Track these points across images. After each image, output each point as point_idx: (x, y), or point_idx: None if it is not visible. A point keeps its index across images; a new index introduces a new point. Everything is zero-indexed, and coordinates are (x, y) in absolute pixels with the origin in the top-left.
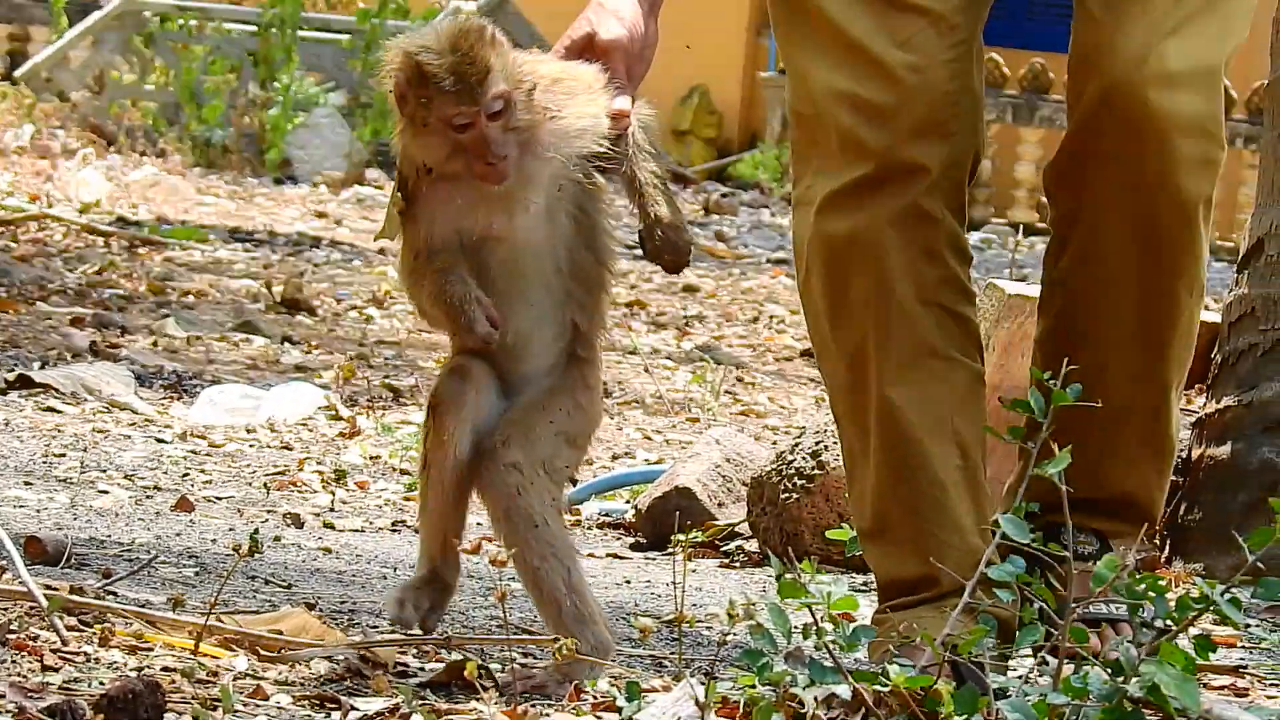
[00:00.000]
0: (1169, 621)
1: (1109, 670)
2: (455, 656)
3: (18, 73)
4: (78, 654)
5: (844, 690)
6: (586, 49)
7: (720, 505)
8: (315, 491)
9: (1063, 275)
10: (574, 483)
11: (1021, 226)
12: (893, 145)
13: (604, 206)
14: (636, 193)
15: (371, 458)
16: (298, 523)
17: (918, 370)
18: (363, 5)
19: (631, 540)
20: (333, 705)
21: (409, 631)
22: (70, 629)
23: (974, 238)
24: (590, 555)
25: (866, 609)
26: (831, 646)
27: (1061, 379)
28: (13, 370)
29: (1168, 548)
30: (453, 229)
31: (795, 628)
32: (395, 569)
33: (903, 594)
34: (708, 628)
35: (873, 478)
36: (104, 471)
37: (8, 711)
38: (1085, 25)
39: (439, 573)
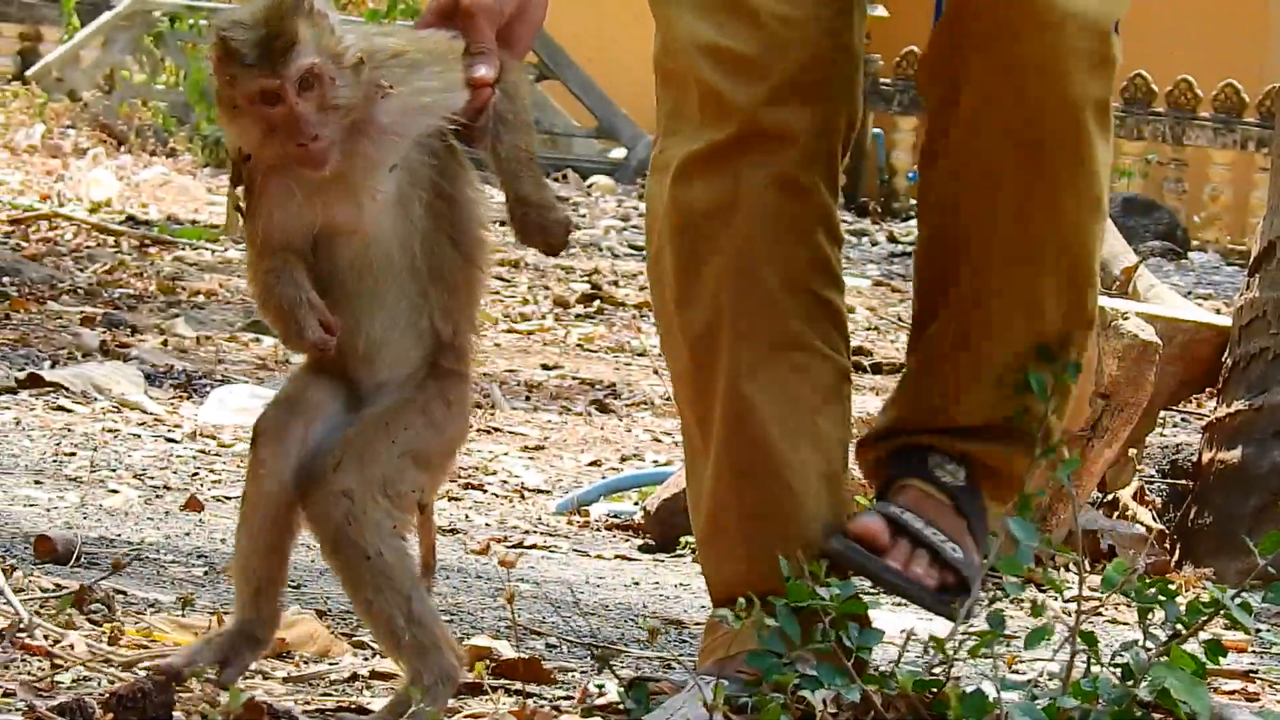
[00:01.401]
0: (1179, 626)
1: (1119, 674)
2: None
3: (29, 72)
4: (86, 654)
5: (853, 693)
6: (452, 13)
7: None
8: None
9: (935, 185)
10: (422, 509)
11: None
12: (758, 104)
13: (472, 193)
14: (499, 170)
15: None
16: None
17: (778, 363)
18: (372, 5)
19: (640, 542)
20: (343, 706)
21: (178, 680)
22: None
23: None
24: (599, 557)
25: (875, 611)
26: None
27: None
28: (23, 369)
29: (1178, 552)
30: (294, 224)
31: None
32: None
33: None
34: None
35: (710, 478)
36: (114, 471)
37: (18, 710)
38: None
39: (248, 628)
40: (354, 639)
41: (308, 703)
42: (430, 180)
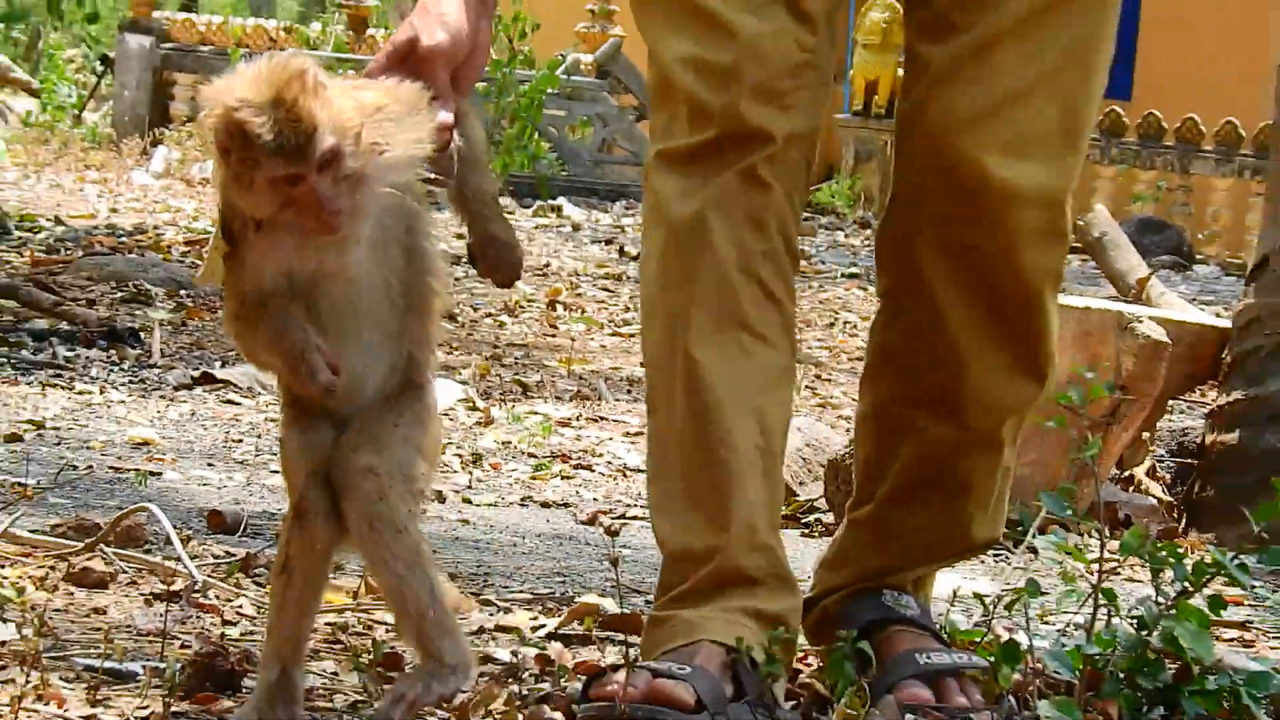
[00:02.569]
0: (1186, 583)
1: (1135, 624)
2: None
3: (202, 115)
4: (252, 612)
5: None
6: (408, 56)
7: (801, 484)
8: (455, 471)
9: (895, 346)
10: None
11: None
12: (733, 106)
13: (428, 225)
14: (465, 210)
15: (503, 443)
16: (440, 498)
17: (726, 339)
18: (494, 56)
19: None
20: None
21: None
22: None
23: None
24: None
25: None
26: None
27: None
28: (198, 369)
29: (1185, 521)
30: (283, 272)
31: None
32: (524, 538)
33: (692, 568)
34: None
35: (675, 444)
36: (276, 454)
37: (193, 662)
38: (920, 75)
39: (289, 674)
40: (480, 597)
41: None
42: (404, 219)
